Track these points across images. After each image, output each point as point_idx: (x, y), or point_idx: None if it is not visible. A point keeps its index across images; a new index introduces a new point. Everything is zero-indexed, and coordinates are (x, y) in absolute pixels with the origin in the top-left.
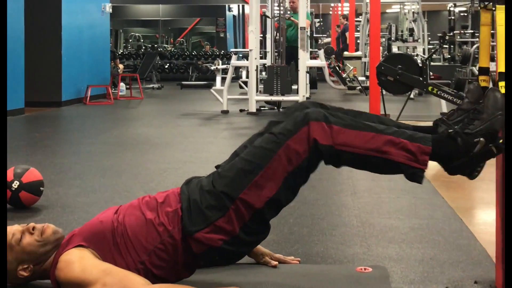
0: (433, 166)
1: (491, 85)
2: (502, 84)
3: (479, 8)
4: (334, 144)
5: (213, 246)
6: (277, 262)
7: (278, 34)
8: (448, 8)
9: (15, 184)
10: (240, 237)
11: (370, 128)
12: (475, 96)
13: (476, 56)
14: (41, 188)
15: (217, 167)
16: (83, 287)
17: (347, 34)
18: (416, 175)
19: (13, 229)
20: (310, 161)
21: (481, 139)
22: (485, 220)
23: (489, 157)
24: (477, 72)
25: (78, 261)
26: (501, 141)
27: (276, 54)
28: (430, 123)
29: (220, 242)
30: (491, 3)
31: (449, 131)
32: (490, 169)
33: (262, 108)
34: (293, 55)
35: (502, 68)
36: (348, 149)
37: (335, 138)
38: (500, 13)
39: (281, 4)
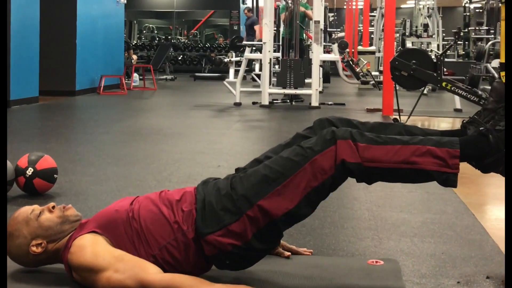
0: None
1: None
2: (504, 74)
3: (499, 3)
4: (362, 162)
5: (223, 250)
6: (289, 253)
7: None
8: (463, 4)
9: (29, 171)
10: (252, 243)
11: (395, 141)
12: (500, 94)
13: (491, 53)
14: (55, 175)
15: (237, 170)
16: (95, 272)
17: (256, 27)
18: (449, 180)
19: (33, 206)
20: (335, 179)
21: None
22: (497, 216)
23: None
24: (491, 69)
25: (91, 246)
26: None
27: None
28: (458, 127)
29: (231, 247)
30: None
31: (480, 128)
32: None
33: (274, 101)
34: (303, 50)
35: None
36: (377, 164)
37: (362, 155)
38: None
39: None
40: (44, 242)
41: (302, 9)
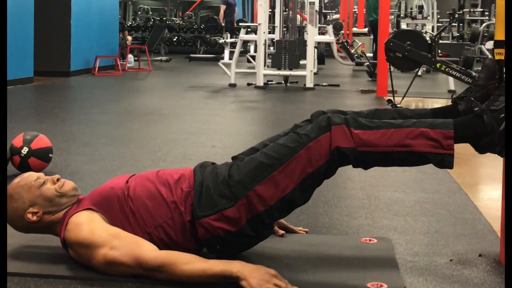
0: None
1: None
2: (497, 51)
3: None
4: (356, 146)
5: (216, 234)
6: (284, 232)
7: (288, 10)
8: None
9: (24, 150)
10: (245, 230)
11: (389, 125)
12: (491, 71)
13: (486, 34)
14: (50, 154)
15: (234, 158)
16: (92, 249)
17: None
18: (444, 161)
19: (39, 174)
20: (330, 165)
21: None
22: (490, 195)
23: None
24: (485, 51)
25: (88, 223)
26: None
27: (284, 29)
28: (449, 102)
29: (224, 232)
30: None
31: (475, 109)
32: None
33: (269, 82)
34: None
35: (499, 36)
36: (371, 149)
37: (356, 140)
38: None
39: None
40: (40, 212)
41: None
